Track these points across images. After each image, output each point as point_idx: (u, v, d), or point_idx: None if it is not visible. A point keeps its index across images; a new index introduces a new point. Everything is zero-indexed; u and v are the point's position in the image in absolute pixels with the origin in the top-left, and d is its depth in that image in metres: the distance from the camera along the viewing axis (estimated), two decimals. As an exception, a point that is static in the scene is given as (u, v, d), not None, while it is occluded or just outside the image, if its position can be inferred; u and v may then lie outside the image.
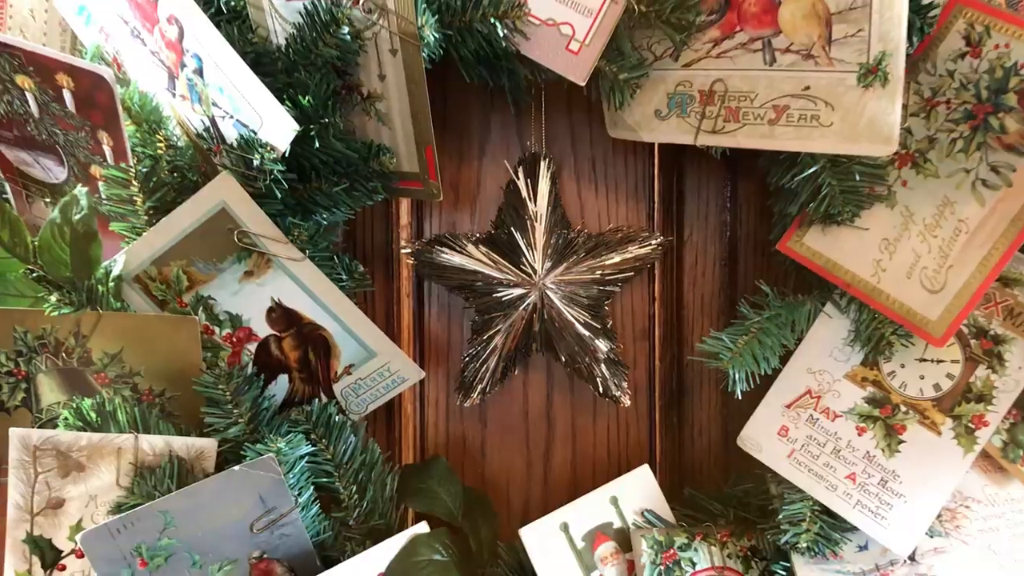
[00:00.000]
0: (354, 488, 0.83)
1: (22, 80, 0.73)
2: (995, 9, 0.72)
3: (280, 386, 0.87)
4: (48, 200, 0.81)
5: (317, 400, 0.86)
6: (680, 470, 0.93)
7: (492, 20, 0.70)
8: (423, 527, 0.84)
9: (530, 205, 0.89)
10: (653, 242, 0.88)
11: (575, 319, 0.85)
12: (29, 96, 0.74)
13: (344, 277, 0.86)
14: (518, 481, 0.94)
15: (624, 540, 0.83)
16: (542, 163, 0.90)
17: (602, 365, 0.88)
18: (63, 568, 0.80)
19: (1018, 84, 0.70)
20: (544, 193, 0.89)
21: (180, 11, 0.70)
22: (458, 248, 0.90)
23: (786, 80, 0.73)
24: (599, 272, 0.87)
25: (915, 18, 0.74)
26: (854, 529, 0.78)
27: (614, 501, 0.82)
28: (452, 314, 0.95)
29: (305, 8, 0.71)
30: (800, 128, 0.73)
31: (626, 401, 0.87)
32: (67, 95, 0.73)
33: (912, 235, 0.74)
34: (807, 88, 0.72)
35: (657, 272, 0.92)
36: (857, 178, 0.74)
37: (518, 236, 0.89)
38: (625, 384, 0.88)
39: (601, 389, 0.89)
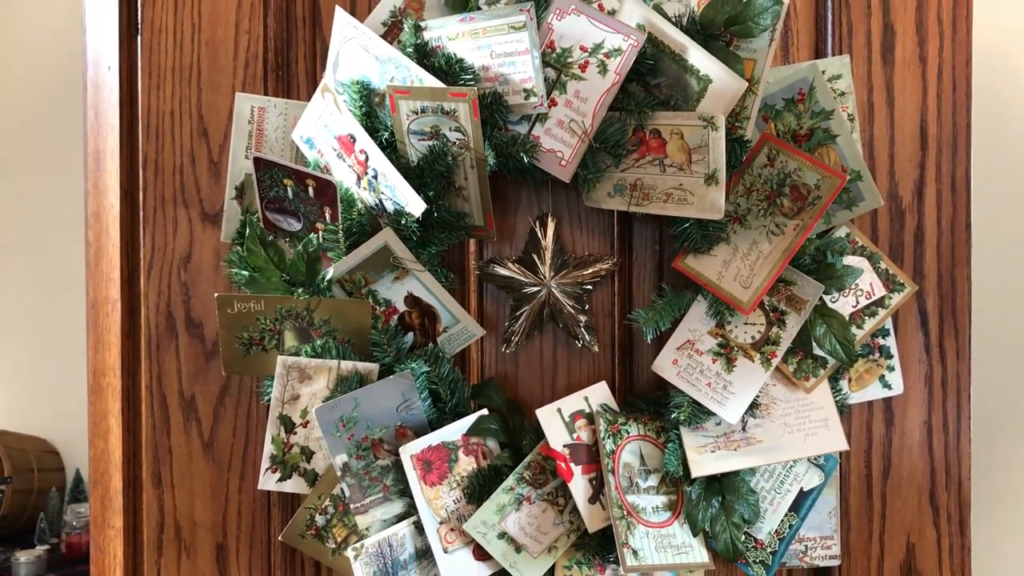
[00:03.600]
0: (448, 392, 1.24)
1: (286, 181, 1.25)
2: (783, 143, 1.23)
3: (409, 338, 1.25)
4: (287, 239, 1.31)
5: (430, 345, 1.25)
6: (629, 389, 1.32)
7: (521, 153, 1.22)
8: (485, 412, 1.23)
9: (542, 240, 1.27)
10: (612, 261, 1.27)
11: (567, 303, 1.26)
12: (288, 188, 1.25)
13: (443, 281, 1.24)
14: (536, 396, 1.31)
15: (591, 419, 1.23)
16: (549, 217, 1.27)
17: (583, 329, 1.27)
18: (295, 433, 1.24)
19: (790, 182, 1.22)
20: (550, 233, 1.27)
21: (366, 147, 1.23)
22: (502, 264, 1.27)
23: (671, 180, 1.21)
24: (581, 278, 1.27)
25: (738, 148, 1.20)
26: (711, 412, 1.20)
27: (585, 399, 1.24)
28: (499, 301, 1.30)
29: (429, 147, 1.23)
30: (679, 205, 1.18)
31: (596, 349, 1.28)
32: (310, 189, 1.23)
33: (737, 259, 1.23)
34: (681, 184, 1.20)
35: (616, 278, 1.29)
36: (710, 229, 1.24)
37: (535, 258, 1.26)
38: (595, 340, 1.28)
39: (582, 343, 1.27)
